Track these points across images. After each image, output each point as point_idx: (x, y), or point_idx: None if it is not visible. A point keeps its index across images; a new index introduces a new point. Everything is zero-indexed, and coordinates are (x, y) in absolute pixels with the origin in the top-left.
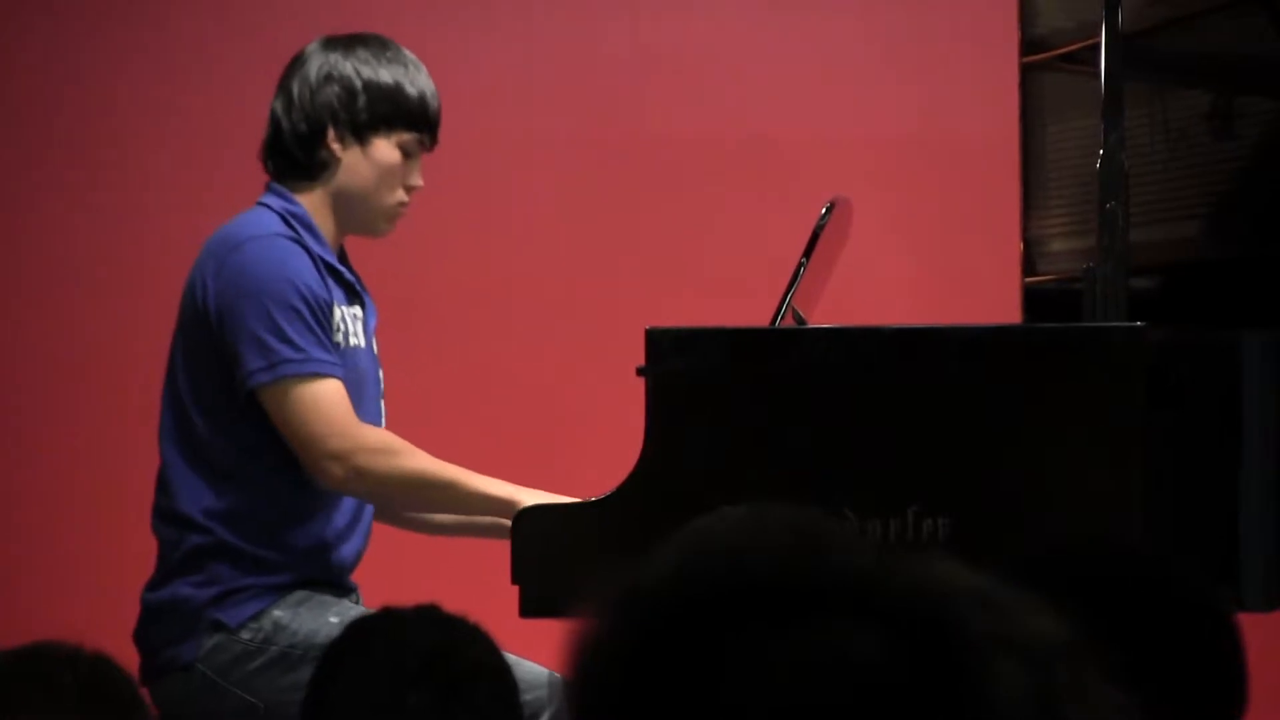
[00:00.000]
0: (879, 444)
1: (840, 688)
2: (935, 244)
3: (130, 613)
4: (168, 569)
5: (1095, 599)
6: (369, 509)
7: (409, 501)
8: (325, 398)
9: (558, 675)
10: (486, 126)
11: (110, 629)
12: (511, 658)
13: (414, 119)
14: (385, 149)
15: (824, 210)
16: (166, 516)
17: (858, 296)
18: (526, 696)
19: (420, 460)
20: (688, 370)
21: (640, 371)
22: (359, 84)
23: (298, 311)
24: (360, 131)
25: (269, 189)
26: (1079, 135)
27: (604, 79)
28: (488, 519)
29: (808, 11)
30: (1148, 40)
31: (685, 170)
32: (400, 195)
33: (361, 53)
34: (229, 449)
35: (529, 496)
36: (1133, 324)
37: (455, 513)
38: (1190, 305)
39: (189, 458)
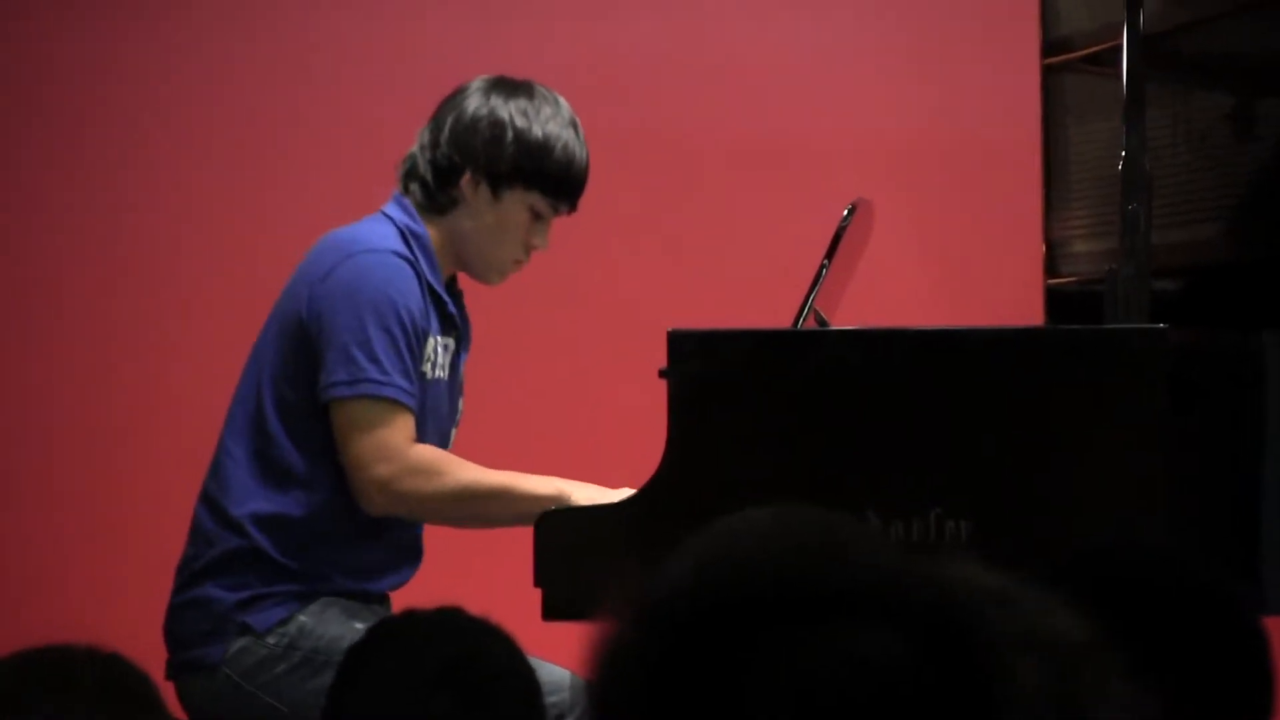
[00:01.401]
0: (901, 446)
1: (863, 689)
2: (957, 246)
3: (156, 608)
4: (199, 567)
5: (1117, 600)
6: (420, 544)
7: (461, 516)
8: (385, 424)
9: (580, 678)
10: None
11: (138, 624)
12: (534, 660)
13: (553, 184)
14: (515, 206)
15: (846, 212)
16: (212, 509)
17: (880, 298)
18: (549, 699)
19: (467, 473)
20: (710, 372)
21: (662, 373)
22: (510, 135)
23: (391, 334)
24: (496, 182)
25: (394, 200)
26: (1101, 137)
27: (625, 80)
28: None
29: (829, 12)
30: (1169, 42)
31: (707, 171)
32: (518, 253)
33: (522, 102)
34: (295, 450)
35: (578, 490)
36: (1155, 326)
37: (510, 517)
38: (1212, 307)
39: (252, 453)
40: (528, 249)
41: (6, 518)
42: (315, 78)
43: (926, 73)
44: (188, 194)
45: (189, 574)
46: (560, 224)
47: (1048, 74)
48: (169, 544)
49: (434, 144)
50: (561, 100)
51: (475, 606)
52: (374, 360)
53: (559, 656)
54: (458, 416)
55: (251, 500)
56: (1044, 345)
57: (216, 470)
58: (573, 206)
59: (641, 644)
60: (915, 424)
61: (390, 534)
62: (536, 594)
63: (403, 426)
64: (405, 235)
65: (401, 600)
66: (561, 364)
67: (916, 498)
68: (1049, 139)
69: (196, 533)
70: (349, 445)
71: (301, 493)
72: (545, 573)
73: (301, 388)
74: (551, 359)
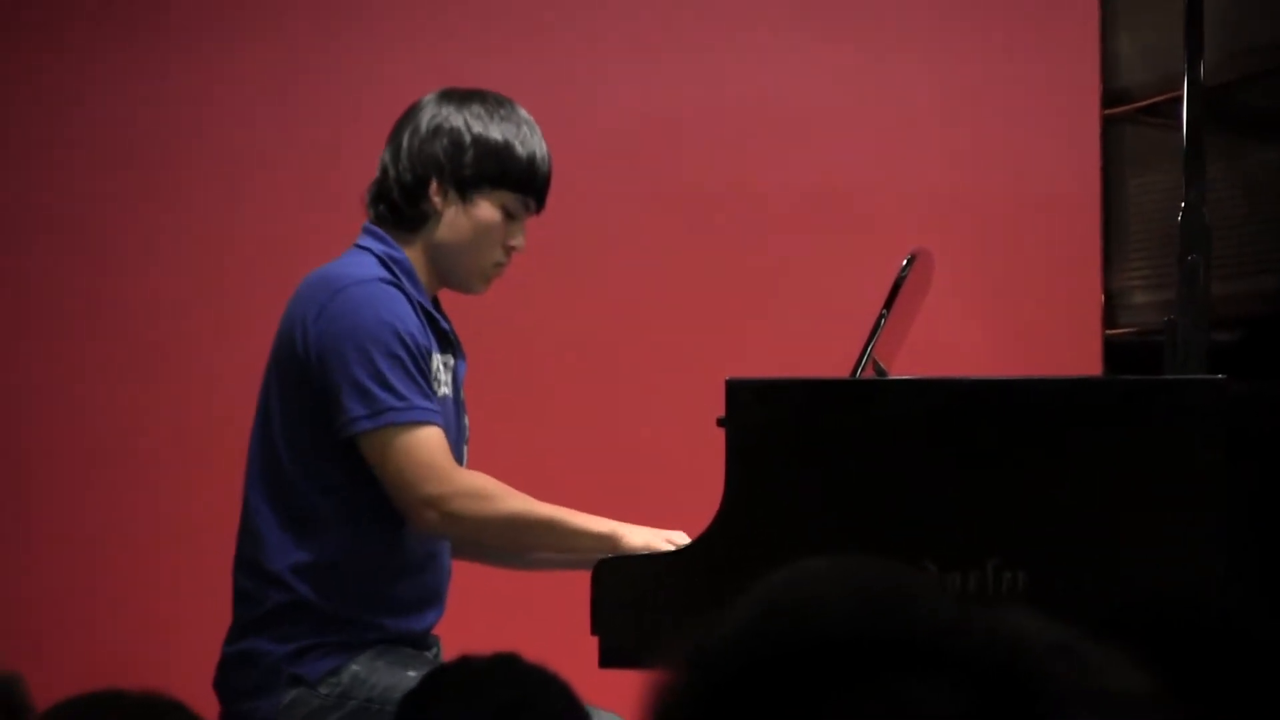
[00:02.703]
0: (959, 496)
1: None
2: (1016, 296)
3: (210, 658)
4: (246, 623)
5: (1177, 652)
6: (449, 565)
7: (509, 544)
8: (425, 444)
9: None
10: (567, 177)
11: (191, 674)
12: (590, 708)
13: (520, 180)
14: (487, 208)
15: (905, 261)
16: (250, 569)
17: (938, 348)
18: None
19: (518, 502)
20: (768, 421)
21: (720, 422)
22: (468, 139)
23: (399, 359)
24: (464, 187)
25: (367, 231)
26: (1160, 188)
27: (687, 129)
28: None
29: (889, 63)
30: (1229, 94)
31: (768, 220)
32: (498, 255)
33: (476, 108)
34: (316, 492)
35: (632, 532)
36: (1214, 376)
37: (560, 552)
38: (1271, 358)
39: (276, 504)
40: (506, 251)
41: (48, 558)
42: (323, 97)
43: (987, 123)
44: (184, 208)
45: (238, 629)
46: (619, 272)
47: (1107, 125)
48: (215, 589)
49: (395, 162)
50: (515, 103)
51: (531, 653)
52: (388, 389)
53: (617, 705)
54: (466, 433)
55: (286, 552)
56: (1102, 396)
57: (246, 528)
58: (541, 203)
59: (699, 693)
60: (973, 474)
61: (424, 561)
62: (594, 641)
63: (438, 444)
64: (385, 262)
65: (456, 647)
66: (619, 411)
67: (974, 548)
68: (1108, 190)
69: (240, 594)
70: (389, 473)
71: (329, 535)
72: (603, 620)
73: (312, 428)
74: (610, 406)
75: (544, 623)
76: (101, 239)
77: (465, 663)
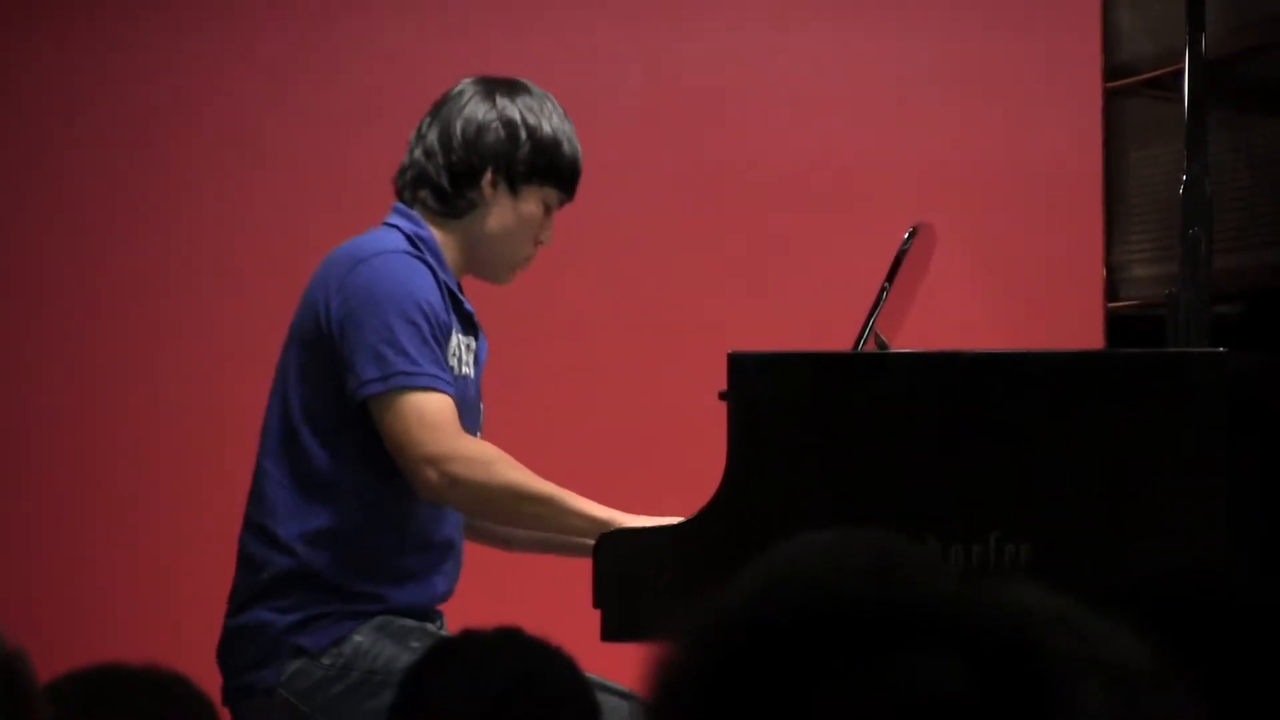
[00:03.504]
0: (960, 469)
1: (924, 714)
2: (1017, 269)
3: (212, 630)
4: (251, 592)
5: (1177, 624)
6: (460, 547)
7: (506, 514)
8: (431, 408)
9: (639, 699)
10: None
11: (192, 647)
12: (593, 679)
13: (564, 177)
14: (532, 202)
15: (907, 235)
16: (259, 533)
17: (940, 321)
18: None
19: (519, 473)
20: (770, 394)
21: (723, 396)
22: (524, 133)
23: (415, 325)
24: (515, 180)
25: (397, 211)
26: (1162, 161)
27: (688, 105)
28: (574, 538)
29: (890, 37)
30: (1231, 66)
31: (768, 195)
32: (530, 249)
33: (527, 100)
34: (330, 462)
35: (629, 521)
36: (1215, 350)
37: (552, 530)
38: (1272, 331)
39: (290, 472)
40: (536, 244)
41: (49, 540)
42: (336, 87)
43: (988, 96)
44: (196, 197)
45: (240, 601)
46: (622, 245)
47: (1110, 98)
48: (218, 567)
49: (446, 149)
50: (551, 95)
51: (534, 627)
52: (403, 354)
53: (619, 676)
54: (481, 420)
55: (297, 519)
56: (1104, 369)
57: (258, 495)
58: (572, 197)
59: (701, 666)
60: (975, 447)
61: (434, 537)
62: (596, 614)
63: (445, 409)
64: (413, 240)
65: (460, 619)
66: (621, 385)
67: (976, 521)
68: (1110, 163)
69: (245, 560)
70: (393, 431)
71: (342, 505)
72: (605, 593)
73: (329, 398)
74: (611, 380)
75: (545, 596)
76: (107, 219)
77: (468, 636)
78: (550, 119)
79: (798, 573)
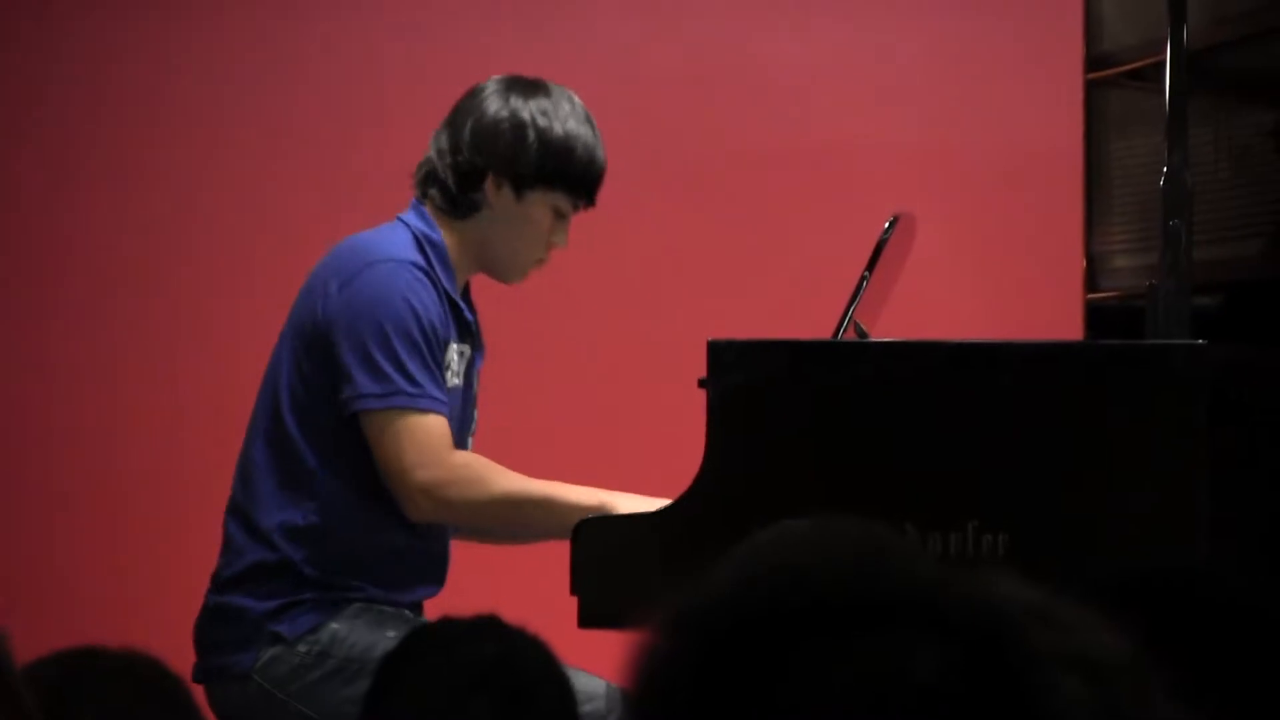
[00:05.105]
0: (940, 459)
1: (902, 703)
2: (998, 259)
3: (190, 613)
4: (230, 575)
5: (1157, 615)
6: (447, 559)
7: (502, 524)
8: (424, 431)
9: (616, 686)
10: None
11: (169, 624)
12: (570, 669)
13: (575, 183)
14: (539, 207)
15: (887, 224)
16: (241, 518)
17: (920, 311)
18: (585, 708)
19: (509, 482)
20: (749, 382)
21: (701, 383)
22: (531, 135)
23: (417, 344)
24: (519, 184)
25: (413, 208)
26: (1143, 152)
27: (667, 89)
28: None
29: (873, 24)
30: (1213, 58)
31: (748, 182)
32: (540, 252)
33: (542, 101)
34: (315, 457)
35: (623, 501)
36: (1195, 341)
37: (549, 527)
38: (1253, 322)
39: (276, 462)
40: (548, 247)
41: (22, 519)
42: (332, 81)
43: (970, 86)
44: (195, 195)
45: (220, 582)
46: (599, 231)
47: (1091, 89)
48: (192, 545)
49: (454, 149)
50: (575, 97)
51: (511, 614)
52: (402, 372)
53: (595, 665)
54: (473, 425)
55: (278, 511)
56: (1084, 360)
57: (243, 478)
58: (592, 202)
59: (680, 654)
60: (954, 437)
61: (418, 546)
62: (573, 602)
63: (440, 432)
64: (422, 243)
65: (437, 607)
66: (600, 372)
67: (954, 510)
68: (1091, 153)
69: (227, 544)
70: (387, 453)
71: (322, 501)
72: (582, 580)
73: (315, 391)
74: (590, 367)
75: (523, 583)
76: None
77: (446, 623)
78: (565, 122)
79: (777, 560)
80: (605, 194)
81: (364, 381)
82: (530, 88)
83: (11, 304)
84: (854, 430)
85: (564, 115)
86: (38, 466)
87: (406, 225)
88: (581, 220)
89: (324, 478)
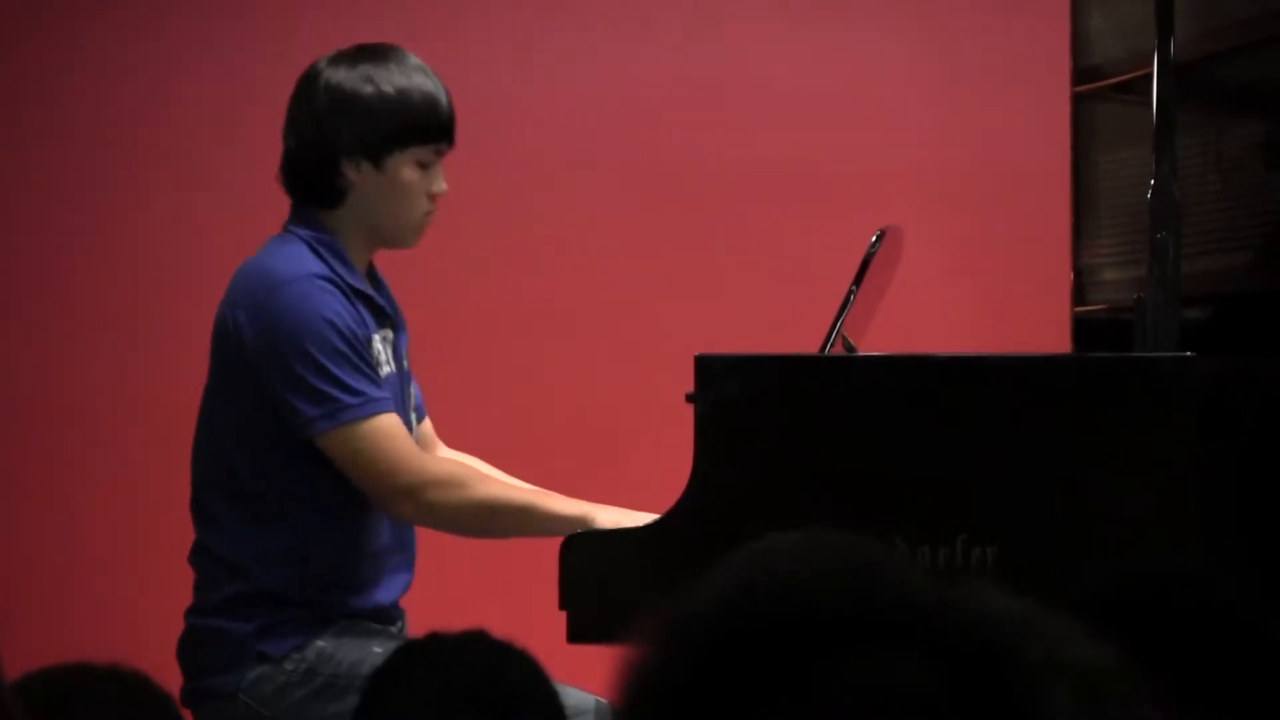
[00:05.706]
0: (928, 472)
1: (892, 714)
2: (986, 272)
3: (174, 628)
4: (208, 605)
5: (1146, 627)
6: (414, 545)
7: (484, 529)
8: (386, 434)
9: (605, 701)
10: (533, 150)
11: (152, 645)
12: (559, 684)
13: (426, 132)
14: (402, 168)
15: (875, 238)
16: (208, 555)
17: (908, 324)
18: None
19: (491, 487)
20: (737, 397)
21: (690, 398)
22: (363, 105)
23: (343, 354)
24: (374, 154)
25: (294, 214)
26: (1131, 165)
27: (653, 104)
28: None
29: (861, 38)
30: (1200, 71)
31: (737, 196)
32: (424, 205)
33: (365, 68)
34: (273, 488)
35: (603, 514)
36: (1183, 354)
37: (531, 534)
38: (1240, 335)
39: (233, 501)
40: (431, 198)
41: (22, 519)
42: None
43: (957, 99)
44: (197, 195)
45: (200, 611)
46: (590, 247)
47: (1078, 102)
48: (181, 565)
49: (301, 144)
50: (403, 50)
51: (500, 629)
52: (339, 385)
53: (584, 679)
54: (413, 402)
55: (245, 543)
56: (1072, 373)
57: (201, 515)
58: (451, 143)
59: (670, 665)
60: (942, 450)
61: (386, 540)
62: (562, 616)
63: (400, 433)
64: (316, 248)
65: (425, 623)
66: (588, 387)
67: (943, 524)
68: (1079, 166)
69: (201, 581)
70: (360, 468)
71: (290, 526)
72: (571, 595)
73: (266, 429)
74: (578, 382)
75: (511, 597)
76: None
77: (434, 639)
78: (391, 78)
79: (766, 574)
80: (593, 208)
81: (306, 407)
82: (353, 56)
83: (13, 305)
84: (842, 444)
85: (389, 73)
86: (38, 466)
87: (296, 235)
88: (571, 235)
89: (287, 506)
